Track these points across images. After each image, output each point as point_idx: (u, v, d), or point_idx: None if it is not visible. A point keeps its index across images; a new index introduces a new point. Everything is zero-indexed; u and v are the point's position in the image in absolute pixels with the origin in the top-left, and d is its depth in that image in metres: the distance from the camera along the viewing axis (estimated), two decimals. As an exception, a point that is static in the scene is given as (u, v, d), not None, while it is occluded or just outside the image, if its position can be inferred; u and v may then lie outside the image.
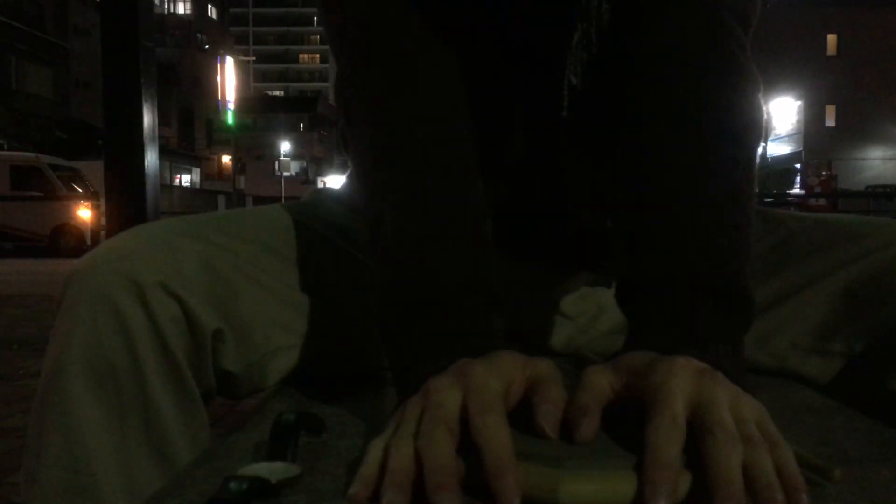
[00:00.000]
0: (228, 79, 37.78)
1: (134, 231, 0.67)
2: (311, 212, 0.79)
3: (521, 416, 0.49)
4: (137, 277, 0.60)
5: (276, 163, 43.99)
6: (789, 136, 33.61)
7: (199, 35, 45.03)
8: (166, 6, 44.21)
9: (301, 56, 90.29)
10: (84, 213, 14.40)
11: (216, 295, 0.64)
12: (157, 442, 0.61)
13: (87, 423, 0.59)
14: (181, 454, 0.62)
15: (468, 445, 0.42)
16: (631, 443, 0.43)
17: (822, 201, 17.32)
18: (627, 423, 0.48)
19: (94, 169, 14.20)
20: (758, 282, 0.75)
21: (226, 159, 43.40)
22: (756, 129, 0.61)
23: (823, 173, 24.60)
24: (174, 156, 37.65)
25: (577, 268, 0.83)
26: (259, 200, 25.94)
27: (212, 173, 44.53)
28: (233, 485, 0.40)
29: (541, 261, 0.83)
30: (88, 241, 13.55)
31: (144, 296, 0.60)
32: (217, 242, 0.67)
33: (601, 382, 0.46)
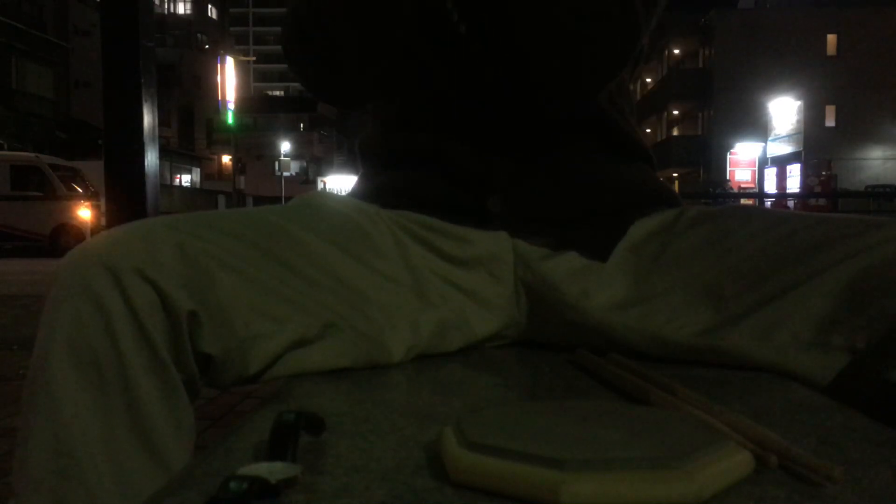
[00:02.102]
0: (228, 79, 37.78)
1: (118, 226, 0.71)
2: (296, 213, 0.80)
3: (522, 415, 0.49)
4: (113, 265, 0.63)
5: (276, 163, 43.96)
6: (789, 136, 33.59)
7: (199, 35, 45.00)
8: (166, 6, 44.21)
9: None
10: (84, 212, 14.40)
11: (191, 279, 0.66)
12: (140, 424, 0.63)
13: (71, 407, 0.61)
14: (164, 437, 0.64)
15: None
16: (632, 441, 0.43)
17: (822, 201, 17.30)
18: (628, 419, 0.48)
19: (94, 169, 14.21)
20: (760, 276, 0.75)
21: (226, 159, 43.37)
22: None
23: (823, 173, 24.60)
24: (174, 156, 37.66)
25: (567, 246, 0.85)
26: (259, 200, 25.94)
27: (212, 173, 44.52)
28: (233, 484, 0.40)
29: (541, 234, 0.85)
30: (88, 241, 13.52)
31: (120, 282, 0.63)
32: (195, 234, 0.69)
33: None
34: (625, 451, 0.42)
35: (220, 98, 38.68)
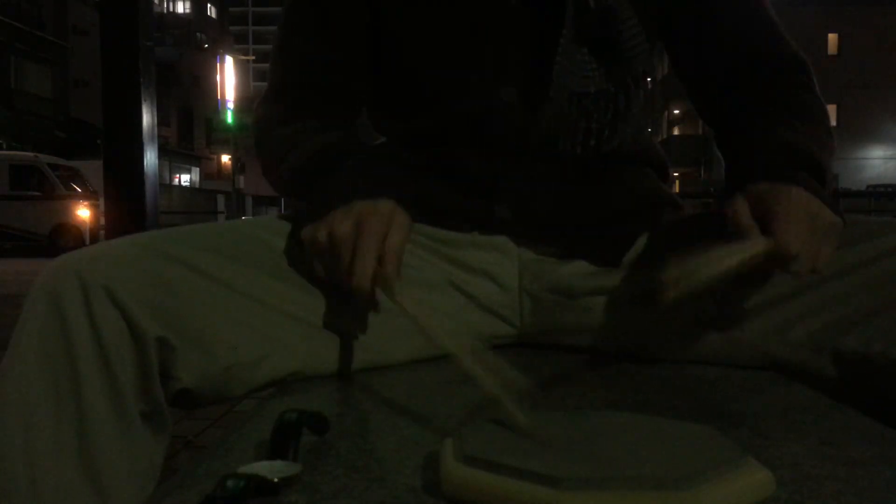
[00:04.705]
0: (228, 78, 37.74)
1: (108, 241, 0.70)
2: (289, 227, 0.79)
3: (522, 433, 0.48)
4: (87, 281, 0.62)
5: (276, 162, 43.55)
6: (789, 135, 33.44)
7: (198, 34, 44.93)
8: (165, 5, 44.15)
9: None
10: (83, 212, 14.39)
11: (164, 306, 0.65)
12: (88, 454, 0.60)
13: (22, 422, 0.59)
14: (112, 472, 0.61)
15: None
16: (637, 458, 0.42)
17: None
18: (638, 433, 0.46)
19: (93, 168, 14.19)
20: (781, 274, 0.75)
21: (225, 159, 43.29)
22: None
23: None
24: (173, 155, 37.61)
25: (574, 252, 0.85)
26: (258, 200, 25.88)
27: (211, 173, 44.44)
28: (230, 482, 0.40)
29: (545, 242, 0.84)
30: (87, 241, 13.51)
31: (89, 302, 0.62)
32: (178, 256, 0.68)
33: (744, 206, 0.67)
34: (628, 468, 0.40)
35: (219, 97, 38.64)
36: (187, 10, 46.13)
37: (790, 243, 0.64)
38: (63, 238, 14.13)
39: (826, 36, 31.50)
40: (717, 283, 0.63)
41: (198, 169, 42.60)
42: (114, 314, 0.62)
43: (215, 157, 45.89)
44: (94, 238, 13.17)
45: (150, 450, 0.65)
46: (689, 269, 0.60)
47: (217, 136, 42.80)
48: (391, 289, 0.65)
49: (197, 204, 22.86)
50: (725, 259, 0.63)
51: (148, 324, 0.63)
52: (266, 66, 0.90)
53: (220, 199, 24.45)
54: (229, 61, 38.88)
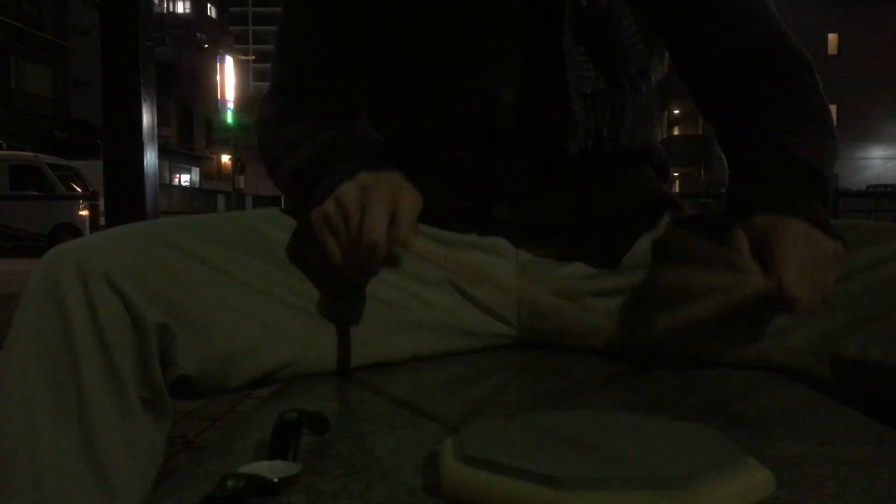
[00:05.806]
0: (228, 78, 37.76)
1: (107, 230, 0.70)
2: (286, 220, 0.79)
3: (525, 426, 0.48)
4: (84, 268, 0.62)
5: (276, 162, 43.38)
6: (789, 135, 33.39)
7: (198, 34, 44.92)
8: (165, 5, 44.12)
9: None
10: (83, 212, 14.39)
11: (163, 292, 0.65)
12: (90, 442, 0.60)
13: (22, 412, 0.59)
14: (114, 459, 0.61)
15: None
16: (638, 458, 0.42)
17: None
18: (638, 433, 0.46)
19: (93, 168, 14.20)
20: None
21: (225, 159, 43.28)
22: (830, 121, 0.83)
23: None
24: (173, 155, 37.61)
25: (573, 254, 0.84)
26: (258, 200, 25.89)
27: (211, 173, 44.44)
28: (230, 482, 0.40)
29: (544, 243, 0.84)
30: (88, 241, 13.48)
31: (88, 288, 0.61)
32: (178, 244, 0.68)
33: (744, 242, 0.66)
34: (628, 468, 0.40)
35: (219, 97, 38.67)
36: (187, 10, 46.12)
37: (791, 287, 0.63)
38: (63, 238, 14.08)
39: (826, 36, 31.50)
40: (712, 317, 0.63)
41: (198, 169, 42.59)
42: (113, 301, 0.62)
43: (215, 157, 45.88)
44: (94, 238, 13.12)
45: (152, 435, 0.65)
46: (685, 301, 0.61)
47: (217, 136, 42.79)
48: (408, 242, 0.63)
49: (197, 204, 22.84)
50: (723, 295, 0.63)
51: (147, 310, 0.63)
52: (266, 66, 0.91)
53: (220, 200, 24.44)
54: (229, 61, 38.89)
